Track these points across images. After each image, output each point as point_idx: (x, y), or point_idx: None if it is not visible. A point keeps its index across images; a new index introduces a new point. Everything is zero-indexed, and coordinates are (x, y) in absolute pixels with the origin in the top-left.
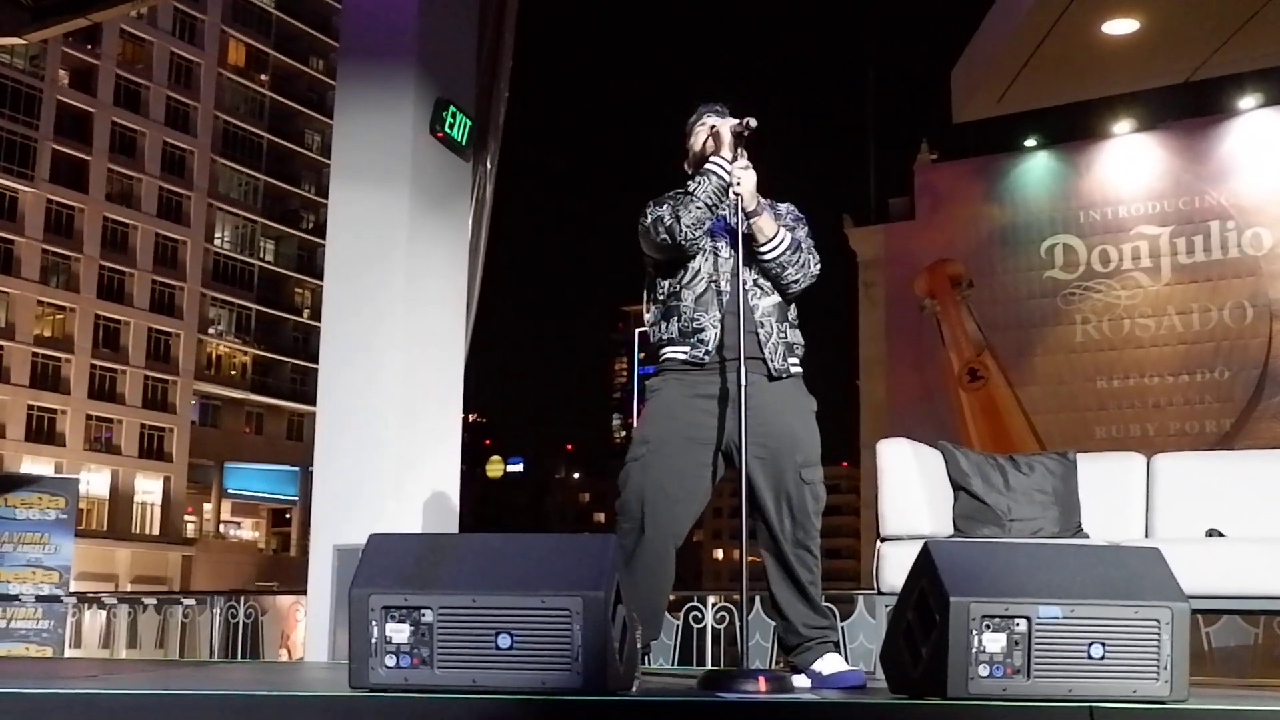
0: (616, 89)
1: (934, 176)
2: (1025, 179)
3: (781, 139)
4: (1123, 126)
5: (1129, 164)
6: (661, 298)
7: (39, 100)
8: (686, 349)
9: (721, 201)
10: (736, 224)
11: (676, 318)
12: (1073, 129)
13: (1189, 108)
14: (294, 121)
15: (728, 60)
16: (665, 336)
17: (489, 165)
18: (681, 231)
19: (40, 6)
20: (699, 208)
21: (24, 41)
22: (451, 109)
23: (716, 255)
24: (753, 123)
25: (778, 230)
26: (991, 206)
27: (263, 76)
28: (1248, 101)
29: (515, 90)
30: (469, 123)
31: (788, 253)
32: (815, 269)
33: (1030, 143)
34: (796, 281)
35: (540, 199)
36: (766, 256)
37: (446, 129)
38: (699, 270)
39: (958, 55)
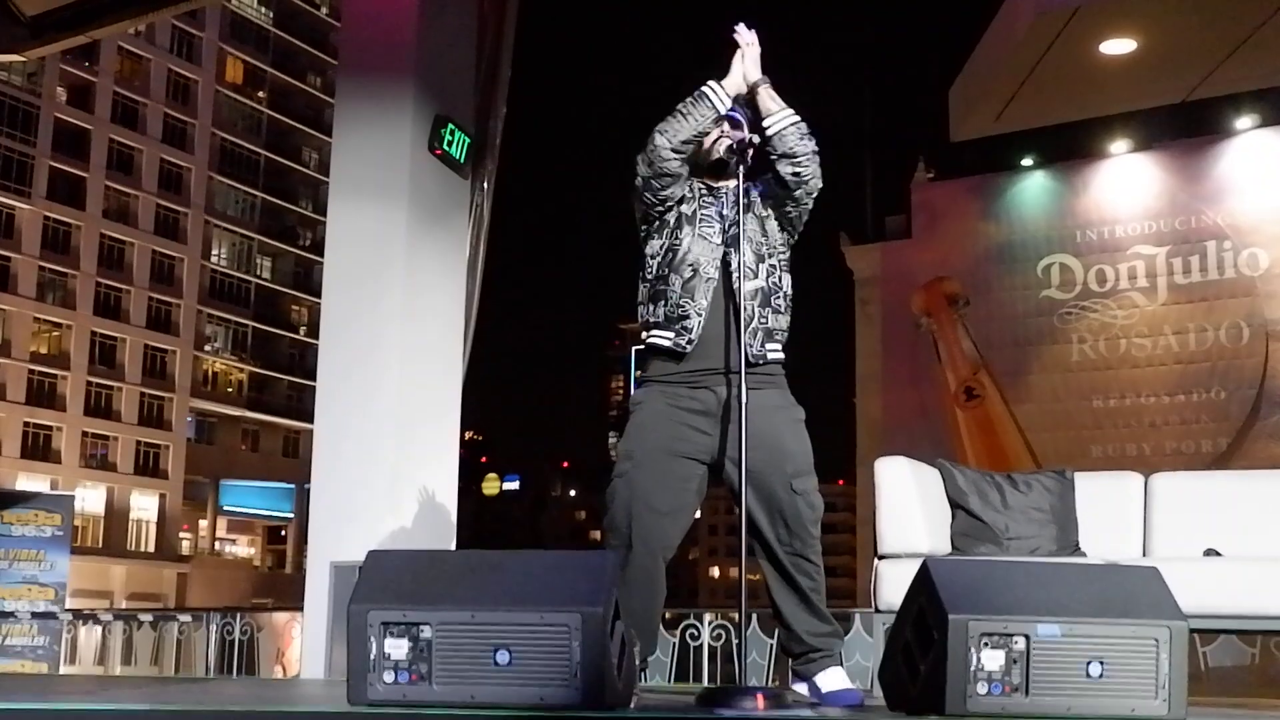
0: (614, 107)
1: (931, 195)
2: (1022, 198)
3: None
4: (1119, 146)
5: (1125, 183)
6: (650, 278)
7: (36, 117)
8: (671, 335)
9: (707, 128)
10: (737, 210)
11: (663, 302)
12: (1069, 148)
13: (1186, 128)
14: (291, 139)
15: (725, 78)
16: (652, 319)
17: (487, 182)
18: (662, 153)
19: (38, 23)
20: (684, 124)
21: (22, 58)
22: (450, 126)
23: (706, 240)
24: (755, 139)
25: (783, 106)
26: (988, 225)
27: (260, 94)
28: (1244, 121)
29: (513, 107)
30: (467, 140)
31: (797, 128)
32: (818, 173)
33: (1027, 162)
34: (810, 175)
35: (537, 216)
36: (777, 126)
37: (445, 146)
38: (686, 253)
39: (955, 74)
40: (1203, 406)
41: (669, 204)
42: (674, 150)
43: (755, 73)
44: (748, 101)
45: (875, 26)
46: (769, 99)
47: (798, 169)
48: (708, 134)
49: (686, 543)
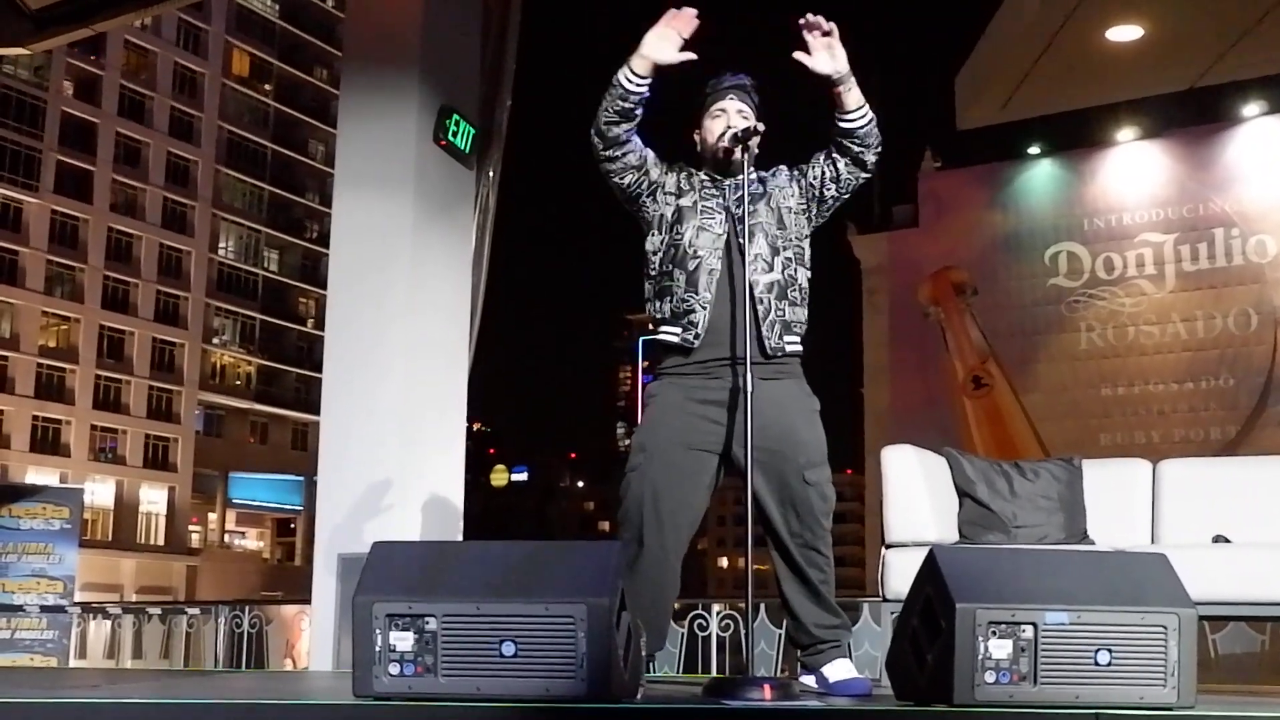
0: None
1: (938, 184)
2: (1029, 186)
3: (784, 147)
4: (1126, 134)
5: (1133, 171)
6: (654, 274)
7: (43, 111)
8: (679, 330)
9: (620, 109)
10: (741, 197)
11: (669, 298)
12: (1077, 136)
13: (1193, 115)
14: (298, 131)
15: (728, 66)
16: (659, 316)
17: (492, 173)
18: (592, 143)
19: (43, 17)
20: (599, 112)
21: (28, 52)
22: (455, 116)
23: (708, 231)
24: (760, 126)
25: (864, 102)
26: (995, 214)
27: (266, 86)
28: (1251, 109)
29: (518, 97)
30: (472, 130)
31: (873, 124)
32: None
33: (1034, 150)
34: (877, 156)
35: (543, 206)
36: (855, 123)
37: (450, 137)
38: (689, 247)
39: (962, 62)
40: (1211, 394)
41: (635, 193)
42: (596, 133)
43: (843, 65)
44: (754, 89)
45: (881, 15)
46: (857, 96)
47: (875, 157)
48: (633, 110)
49: (696, 534)
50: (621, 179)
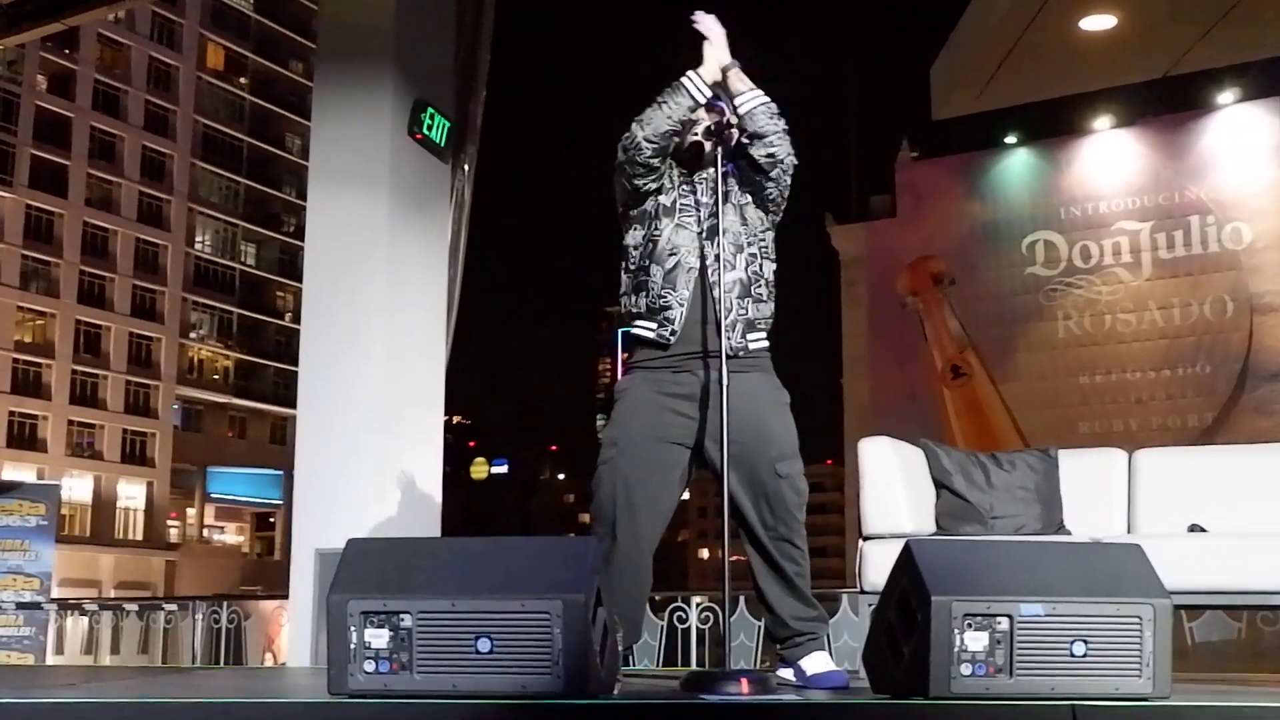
0: (594, 87)
1: (915, 174)
2: (1006, 176)
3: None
4: (1102, 122)
5: (1109, 160)
6: (632, 268)
7: (17, 106)
8: (654, 326)
9: (685, 118)
10: (712, 193)
11: (645, 293)
12: (1052, 125)
13: (1167, 103)
14: (274, 125)
15: (700, 67)
16: (634, 310)
17: (467, 166)
18: (639, 145)
19: (14, 11)
20: (659, 116)
21: None
22: (430, 110)
23: (686, 230)
24: (734, 120)
25: (752, 87)
26: (972, 203)
27: (242, 80)
28: (1226, 96)
29: (493, 90)
30: (447, 124)
31: (766, 107)
32: (790, 150)
33: (1010, 140)
34: (784, 153)
35: (520, 199)
36: (747, 106)
37: (425, 130)
38: (666, 244)
39: (937, 52)
40: (1188, 381)
41: (647, 195)
42: (649, 141)
43: (725, 56)
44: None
45: (856, 7)
46: (738, 80)
47: (770, 149)
48: (687, 126)
49: (676, 525)
50: (645, 183)
